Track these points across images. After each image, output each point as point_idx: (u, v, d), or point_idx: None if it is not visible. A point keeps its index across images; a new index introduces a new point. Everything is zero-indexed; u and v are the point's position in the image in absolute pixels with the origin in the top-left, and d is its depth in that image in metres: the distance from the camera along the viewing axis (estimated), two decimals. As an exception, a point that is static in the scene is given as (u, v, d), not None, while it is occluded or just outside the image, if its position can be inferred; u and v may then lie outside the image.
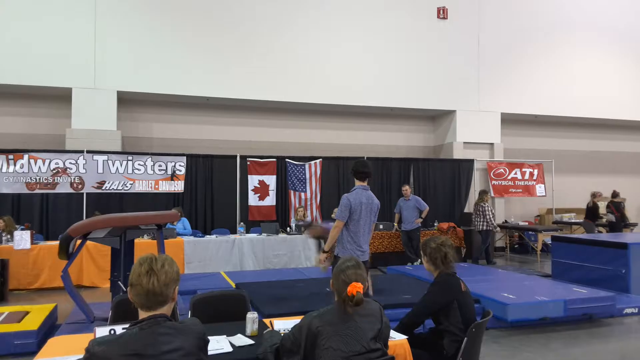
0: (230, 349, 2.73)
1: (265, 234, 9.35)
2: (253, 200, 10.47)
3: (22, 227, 8.09)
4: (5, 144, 9.45)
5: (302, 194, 10.78)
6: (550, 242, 9.19)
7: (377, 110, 12.17)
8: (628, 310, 6.23)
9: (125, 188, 9.53)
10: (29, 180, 8.98)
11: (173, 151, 10.20)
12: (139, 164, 9.64)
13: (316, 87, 11.17)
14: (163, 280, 1.92)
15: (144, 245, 7.96)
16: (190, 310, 3.54)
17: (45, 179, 9.06)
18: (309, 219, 10.45)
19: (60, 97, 10.07)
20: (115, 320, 3.37)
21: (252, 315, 3.05)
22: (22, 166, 8.93)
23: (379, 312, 2.56)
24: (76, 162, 9.23)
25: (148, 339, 1.86)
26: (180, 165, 9.93)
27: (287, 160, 10.76)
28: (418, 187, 11.56)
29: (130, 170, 9.57)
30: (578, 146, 14.49)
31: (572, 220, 12.63)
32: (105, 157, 9.43)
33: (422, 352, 3.13)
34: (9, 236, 7.97)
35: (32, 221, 8.92)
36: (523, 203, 13.48)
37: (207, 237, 9.18)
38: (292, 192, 10.75)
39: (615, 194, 11.77)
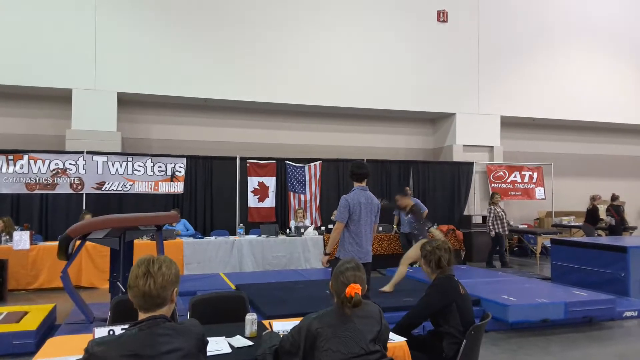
0: (229, 350, 2.73)
1: (264, 236, 9.34)
2: (253, 201, 10.47)
3: (21, 227, 8.09)
4: (5, 145, 9.45)
5: (302, 196, 10.79)
6: (549, 245, 9.19)
7: (377, 112, 12.18)
8: (628, 314, 6.22)
9: (125, 189, 9.53)
10: (29, 181, 8.98)
11: (173, 152, 10.20)
12: (138, 165, 9.64)
13: (316, 89, 11.18)
14: (160, 282, 1.91)
15: (143, 246, 7.95)
16: (189, 311, 3.54)
17: (45, 180, 9.06)
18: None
19: (60, 98, 10.07)
20: (114, 321, 3.36)
21: (251, 317, 3.05)
22: (21, 167, 8.93)
23: (378, 314, 2.56)
24: (76, 163, 9.23)
25: (147, 340, 1.86)
26: (180, 167, 9.93)
27: (286, 162, 10.77)
28: (418, 190, 11.57)
29: (130, 172, 9.57)
30: (577, 149, 14.50)
31: (572, 224, 12.63)
32: (105, 158, 9.43)
33: (421, 354, 3.13)
34: (8, 237, 7.96)
35: (31, 222, 8.92)
36: (522, 206, 13.48)
37: (207, 238, 9.18)
38: (291, 193, 10.75)
39: (614, 197, 11.78)
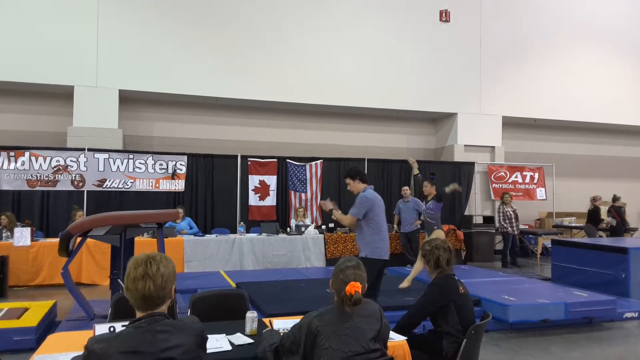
0: (229, 348, 2.73)
1: (265, 234, 9.34)
2: (253, 200, 10.47)
3: (22, 224, 8.10)
4: (6, 141, 9.45)
5: (303, 195, 10.79)
6: (550, 245, 9.19)
7: (379, 112, 12.17)
8: (628, 315, 6.22)
9: (126, 186, 9.53)
10: (30, 178, 8.98)
11: (174, 150, 10.20)
12: (139, 163, 9.64)
13: (317, 89, 11.17)
14: (159, 284, 1.90)
15: (144, 244, 7.95)
16: (189, 308, 3.54)
17: (46, 177, 9.07)
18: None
19: (62, 95, 10.07)
20: (114, 318, 3.37)
21: (251, 315, 3.05)
22: (23, 163, 8.93)
23: (378, 313, 2.57)
24: (77, 160, 9.24)
25: (147, 337, 1.86)
26: (181, 165, 9.93)
27: (287, 160, 10.76)
28: (418, 190, 11.53)
29: (131, 169, 9.57)
30: (579, 150, 14.48)
31: (573, 224, 12.62)
32: (106, 155, 9.43)
33: (422, 353, 3.13)
34: (9, 233, 7.97)
35: (32, 218, 8.92)
36: (523, 206, 13.43)
37: (207, 236, 9.18)
38: (292, 192, 10.75)
39: (615, 198, 11.77)
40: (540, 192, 12.91)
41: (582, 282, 7.36)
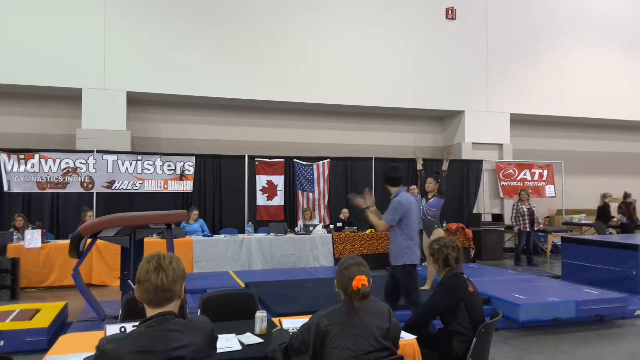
0: (239, 347, 2.74)
1: (273, 234, 9.36)
2: (261, 200, 10.49)
3: (33, 226, 8.16)
4: (16, 144, 9.54)
5: (310, 194, 10.79)
6: (560, 243, 9.13)
7: (385, 110, 12.15)
8: (639, 312, 6.17)
9: (135, 188, 9.59)
10: (40, 180, 9.06)
11: (182, 151, 10.25)
12: (148, 164, 9.69)
13: (324, 88, 11.17)
14: (171, 276, 1.94)
15: (153, 244, 7.99)
16: (199, 308, 3.56)
17: (56, 179, 9.14)
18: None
19: (70, 98, 10.14)
20: (125, 318, 3.39)
21: (261, 314, 3.06)
22: (32, 166, 9.01)
23: (387, 311, 2.56)
24: (86, 162, 9.30)
25: (157, 336, 1.88)
26: (189, 165, 9.97)
27: (295, 160, 10.77)
28: (421, 185, 11.48)
29: (139, 170, 9.62)
30: (588, 147, 14.37)
31: (582, 222, 12.53)
32: (115, 157, 9.49)
33: (431, 352, 3.12)
34: (20, 235, 8.04)
35: (42, 220, 8.99)
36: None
37: (216, 236, 9.21)
38: (300, 192, 10.76)
39: (626, 195, 11.64)
40: (549, 190, 12.83)
41: (593, 279, 7.30)
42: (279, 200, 10.60)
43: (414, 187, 9.85)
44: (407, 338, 2.88)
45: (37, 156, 9.05)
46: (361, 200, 4.70)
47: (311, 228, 9.61)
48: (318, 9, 11.28)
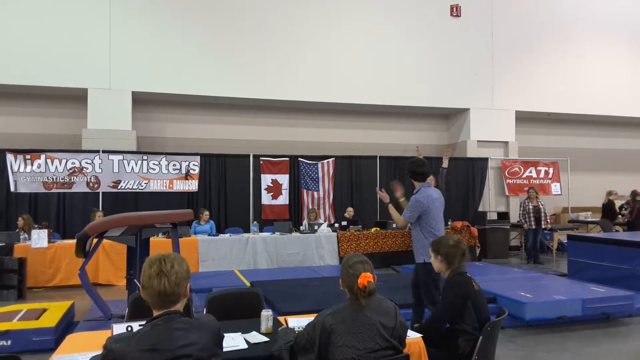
0: (245, 346, 2.75)
1: (278, 233, 9.37)
2: (266, 199, 10.50)
3: (39, 226, 8.21)
4: (22, 144, 9.59)
5: (315, 193, 10.79)
6: (566, 241, 9.10)
7: (390, 108, 12.13)
8: (646, 310, 6.14)
9: (141, 187, 9.62)
10: (46, 180, 9.10)
11: (187, 151, 10.27)
12: (153, 164, 9.72)
13: (328, 86, 11.16)
14: (174, 280, 1.94)
15: (159, 244, 8.02)
16: (205, 307, 3.57)
17: (62, 179, 9.18)
18: None
19: (76, 98, 10.18)
20: (132, 318, 3.40)
21: (266, 313, 3.07)
22: (39, 166, 9.06)
23: (393, 310, 2.56)
24: (92, 162, 9.34)
25: (164, 334, 1.89)
26: (194, 165, 9.99)
27: (299, 159, 10.78)
28: (442, 183, 11.47)
29: (145, 170, 9.66)
30: (594, 144, 14.29)
31: (589, 219, 12.47)
32: (120, 156, 9.52)
33: (437, 350, 3.12)
34: (26, 235, 8.09)
35: (49, 220, 9.03)
36: (538, 202, 13.32)
37: (221, 236, 9.23)
38: (305, 191, 10.77)
39: (636, 194, 11.54)
40: (555, 187, 12.78)
41: (599, 277, 7.27)
42: (283, 199, 10.61)
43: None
44: (412, 337, 2.88)
45: (43, 156, 9.10)
46: (385, 195, 4.69)
47: (316, 227, 9.62)
48: (323, 8, 11.28)
